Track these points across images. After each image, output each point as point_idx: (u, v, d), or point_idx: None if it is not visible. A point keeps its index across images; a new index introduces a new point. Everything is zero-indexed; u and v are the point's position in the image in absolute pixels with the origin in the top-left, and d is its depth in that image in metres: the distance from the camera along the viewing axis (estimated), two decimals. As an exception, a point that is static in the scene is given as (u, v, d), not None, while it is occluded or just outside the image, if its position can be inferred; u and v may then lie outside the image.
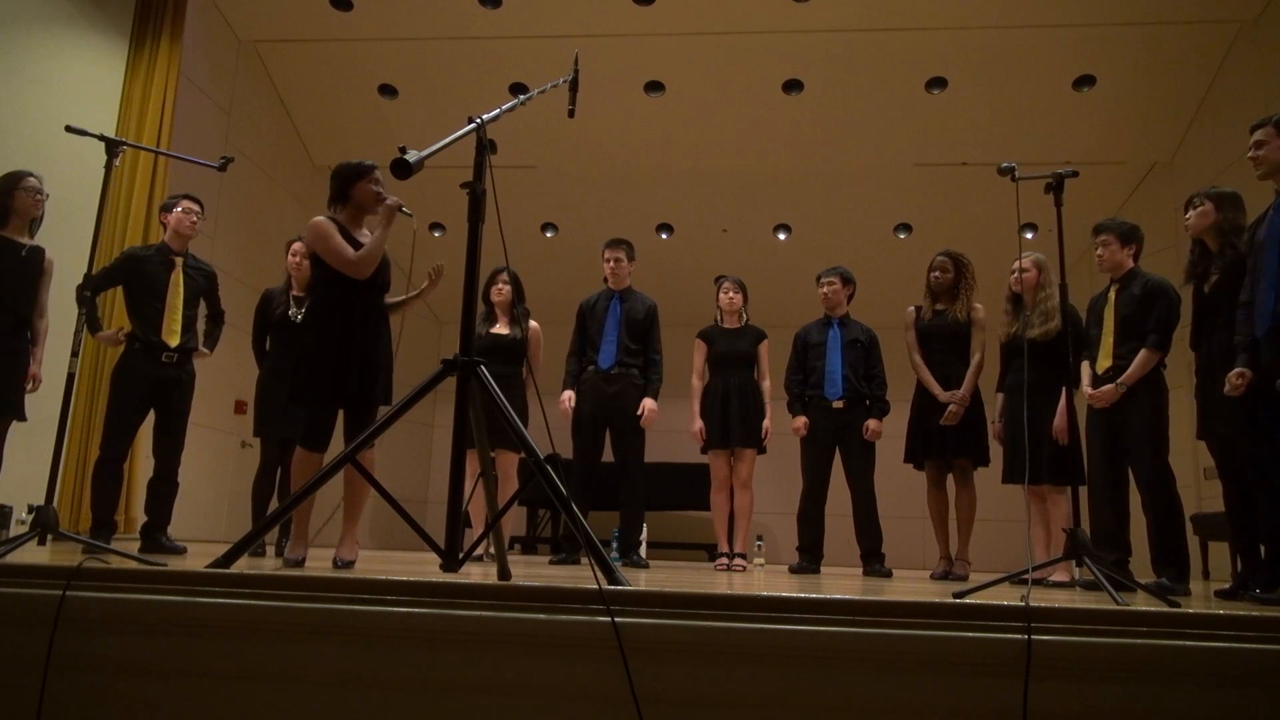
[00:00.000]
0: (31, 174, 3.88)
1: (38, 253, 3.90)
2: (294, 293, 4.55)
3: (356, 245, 3.26)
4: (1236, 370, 3.12)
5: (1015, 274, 4.41)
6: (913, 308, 4.88)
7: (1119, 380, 3.69)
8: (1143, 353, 3.68)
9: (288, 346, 4.49)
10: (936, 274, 4.76)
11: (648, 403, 4.79)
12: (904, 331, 4.84)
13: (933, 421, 4.56)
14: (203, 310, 4.42)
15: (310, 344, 3.26)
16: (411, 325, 8.79)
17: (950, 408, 4.48)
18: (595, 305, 5.01)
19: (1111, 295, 3.88)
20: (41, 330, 3.93)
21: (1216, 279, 3.42)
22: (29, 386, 3.86)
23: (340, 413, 3.34)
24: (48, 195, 3.93)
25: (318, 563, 3.43)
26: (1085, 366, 3.96)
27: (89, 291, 3.99)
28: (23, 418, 3.87)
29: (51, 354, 4.02)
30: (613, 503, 4.88)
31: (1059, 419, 4.07)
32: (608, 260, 5.02)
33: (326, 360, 3.21)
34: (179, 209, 4.19)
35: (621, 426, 4.82)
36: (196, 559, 3.31)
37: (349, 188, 3.35)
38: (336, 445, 3.05)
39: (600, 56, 6.42)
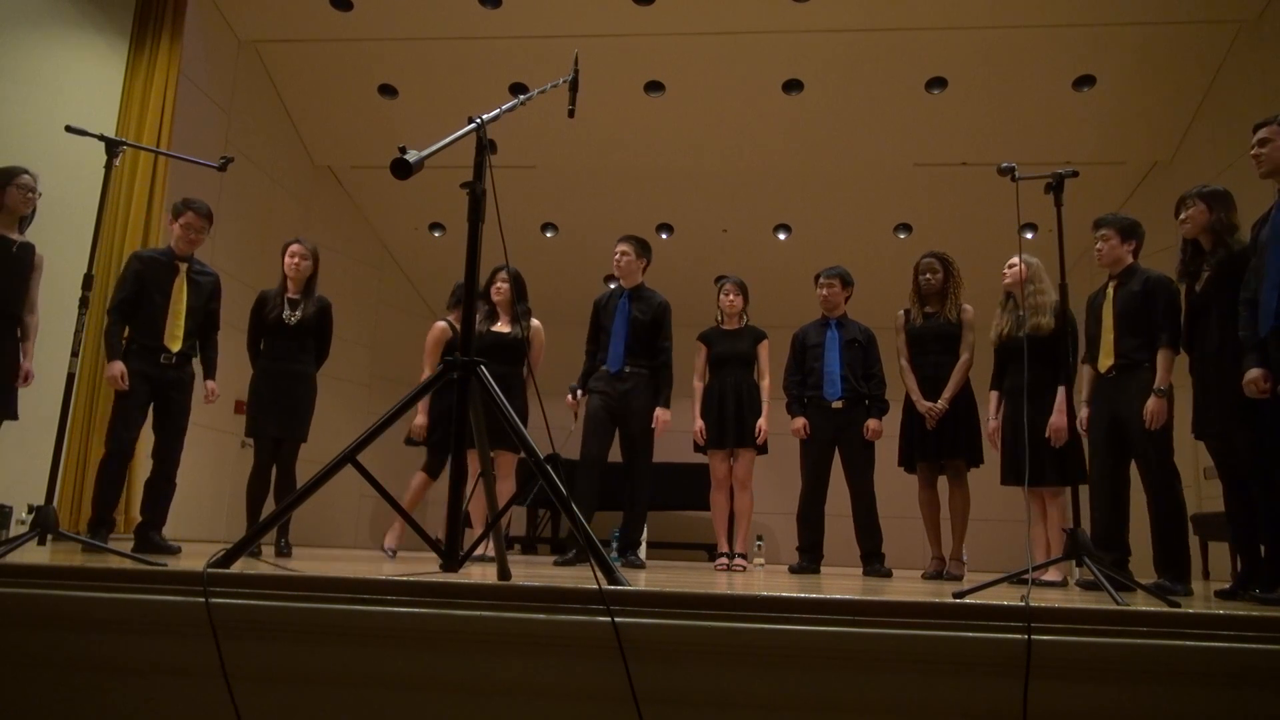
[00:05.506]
0: (26, 171, 3.86)
1: (28, 249, 3.88)
2: (289, 295, 4.53)
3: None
4: (1259, 372, 3.03)
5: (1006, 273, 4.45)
6: (902, 311, 4.88)
7: (1155, 387, 3.58)
8: (1162, 353, 3.61)
9: (282, 348, 4.50)
10: (926, 276, 4.77)
11: (660, 413, 4.76)
12: (894, 335, 4.84)
13: (923, 424, 4.60)
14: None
15: (443, 403, 4.79)
16: (410, 322, 8.80)
17: (928, 415, 4.55)
18: (607, 304, 4.96)
19: (1110, 291, 3.84)
20: (32, 326, 3.89)
21: (1208, 276, 3.41)
22: (21, 382, 3.82)
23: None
24: (40, 193, 3.91)
25: (318, 564, 3.43)
26: (1086, 370, 3.93)
27: (118, 317, 3.99)
28: (14, 416, 3.85)
29: (51, 354, 4.01)
30: (615, 502, 4.87)
31: (1056, 418, 4.06)
32: (615, 254, 4.95)
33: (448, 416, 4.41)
34: (182, 221, 4.12)
35: (632, 426, 4.77)
36: (196, 559, 3.30)
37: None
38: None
39: (600, 56, 6.41)
